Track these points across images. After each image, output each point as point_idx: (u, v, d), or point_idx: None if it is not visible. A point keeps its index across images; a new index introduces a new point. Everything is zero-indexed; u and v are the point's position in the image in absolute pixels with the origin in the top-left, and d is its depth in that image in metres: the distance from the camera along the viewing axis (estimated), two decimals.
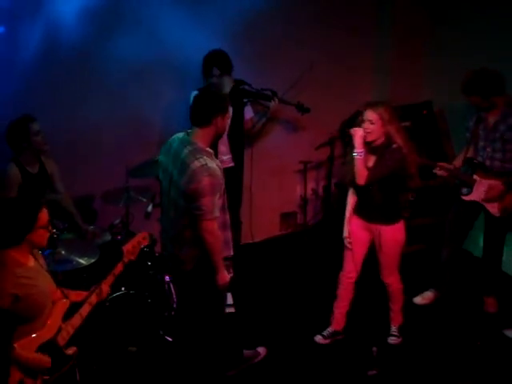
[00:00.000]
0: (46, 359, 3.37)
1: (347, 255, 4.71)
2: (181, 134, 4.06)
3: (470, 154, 5.03)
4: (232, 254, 4.17)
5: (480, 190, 4.93)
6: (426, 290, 5.42)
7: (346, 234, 4.68)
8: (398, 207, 4.57)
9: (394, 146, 4.36)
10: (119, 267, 3.69)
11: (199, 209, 3.84)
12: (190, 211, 3.89)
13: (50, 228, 3.44)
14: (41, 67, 5.07)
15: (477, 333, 4.91)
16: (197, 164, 3.80)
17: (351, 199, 4.67)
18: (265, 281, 5.66)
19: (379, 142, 4.40)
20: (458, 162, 5.11)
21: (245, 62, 5.45)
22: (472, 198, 4.99)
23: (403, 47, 6.27)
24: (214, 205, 3.86)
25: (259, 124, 5.56)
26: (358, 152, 4.39)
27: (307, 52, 5.95)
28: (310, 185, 6.41)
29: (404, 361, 4.65)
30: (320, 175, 6.48)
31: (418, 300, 5.40)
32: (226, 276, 4.09)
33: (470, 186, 4.98)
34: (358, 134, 4.38)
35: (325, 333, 4.85)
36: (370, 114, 4.35)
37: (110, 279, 3.67)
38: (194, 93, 5.32)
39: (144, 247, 3.91)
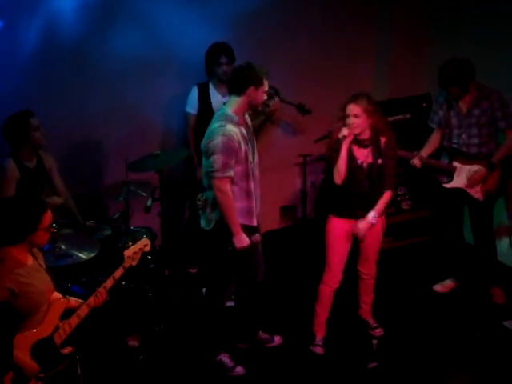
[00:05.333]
0: (34, 366, 3.34)
1: (330, 264, 4.56)
2: None
3: (441, 143, 5.04)
4: (255, 224, 4.18)
5: (462, 176, 4.97)
6: (446, 278, 5.41)
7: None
8: None
9: (384, 138, 4.34)
10: (119, 272, 3.69)
11: (210, 165, 4.00)
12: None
13: (51, 230, 3.45)
14: (40, 62, 5.06)
15: (478, 324, 4.92)
16: (215, 125, 4.01)
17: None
18: (265, 273, 5.64)
19: (366, 135, 4.35)
20: (425, 151, 5.08)
21: (246, 56, 5.42)
22: (454, 186, 5.01)
23: (403, 40, 6.28)
24: (226, 165, 3.97)
25: (256, 122, 5.47)
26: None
27: (308, 45, 5.96)
28: (310, 178, 6.40)
29: (404, 352, 4.66)
30: (319, 168, 6.46)
31: (437, 288, 5.40)
32: (243, 239, 4.10)
33: (451, 173, 4.99)
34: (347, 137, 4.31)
35: (319, 342, 4.71)
36: (353, 108, 4.28)
37: (109, 283, 3.66)
38: (195, 88, 5.34)
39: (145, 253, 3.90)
